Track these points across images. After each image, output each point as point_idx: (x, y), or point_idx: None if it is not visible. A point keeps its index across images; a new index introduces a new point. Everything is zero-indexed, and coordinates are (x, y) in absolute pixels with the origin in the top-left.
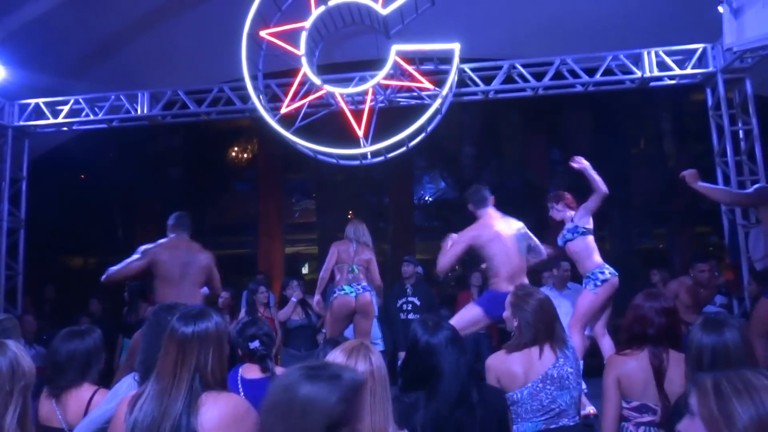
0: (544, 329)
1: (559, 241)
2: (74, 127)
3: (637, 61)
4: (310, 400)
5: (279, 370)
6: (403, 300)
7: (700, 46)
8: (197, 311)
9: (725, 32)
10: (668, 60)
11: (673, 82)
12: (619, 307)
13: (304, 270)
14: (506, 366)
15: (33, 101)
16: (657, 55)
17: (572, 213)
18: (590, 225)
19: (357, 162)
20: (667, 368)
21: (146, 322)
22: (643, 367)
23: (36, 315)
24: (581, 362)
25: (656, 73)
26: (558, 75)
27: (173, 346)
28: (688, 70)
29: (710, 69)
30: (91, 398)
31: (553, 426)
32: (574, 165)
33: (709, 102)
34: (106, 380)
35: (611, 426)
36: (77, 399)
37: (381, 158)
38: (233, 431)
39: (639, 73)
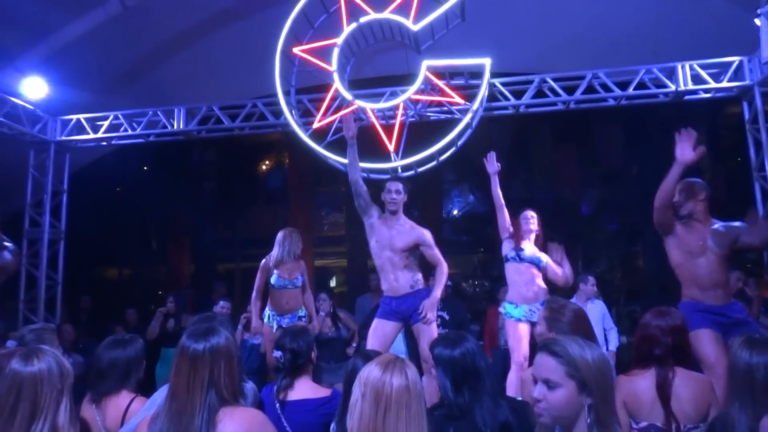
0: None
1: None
2: (113, 142)
3: (671, 74)
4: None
5: (309, 387)
6: None
7: (736, 59)
8: (206, 327)
9: (762, 45)
10: (703, 73)
11: (708, 95)
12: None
13: (332, 283)
14: None
15: (74, 117)
16: (692, 68)
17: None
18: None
19: (387, 176)
20: (672, 387)
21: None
22: (650, 387)
23: (72, 324)
24: None
25: (691, 86)
26: (590, 89)
27: (185, 363)
28: (724, 84)
29: (747, 82)
30: (128, 406)
31: None
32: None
33: (746, 116)
34: (146, 389)
35: None
36: (116, 406)
37: (411, 172)
38: None
39: (673, 87)
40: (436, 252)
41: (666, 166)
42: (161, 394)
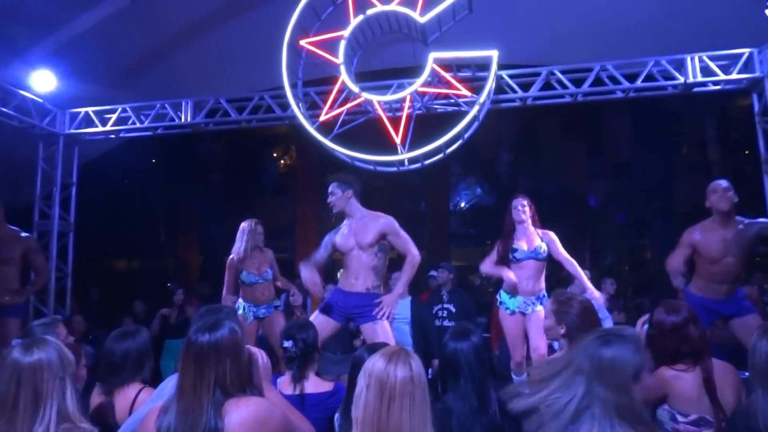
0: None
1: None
2: (121, 135)
3: (680, 66)
4: (615, 358)
5: (311, 381)
6: (439, 307)
7: (746, 50)
8: (212, 322)
9: None
10: (712, 65)
11: (717, 87)
12: None
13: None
14: None
15: (83, 110)
16: (701, 60)
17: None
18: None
19: (394, 168)
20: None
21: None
22: (694, 382)
23: (82, 315)
24: None
25: (700, 78)
26: (598, 81)
27: (190, 360)
28: (734, 75)
29: (757, 74)
30: (136, 396)
31: None
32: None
33: (756, 108)
34: (150, 381)
35: None
36: (125, 396)
37: (418, 165)
38: None
39: (682, 79)
40: (406, 239)
41: (674, 159)
42: (168, 384)
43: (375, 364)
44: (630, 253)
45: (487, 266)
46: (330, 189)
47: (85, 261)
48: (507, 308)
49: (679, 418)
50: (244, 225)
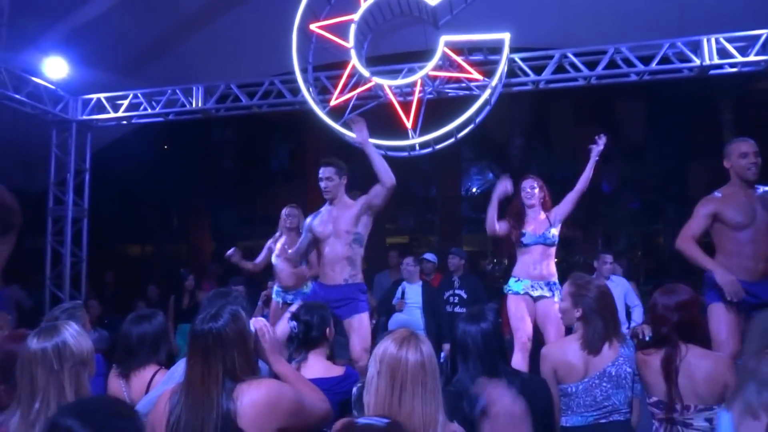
0: (611, 317)
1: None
2: (133, 121)
3: (696, 48)
4: None
5: (318, 365)
6: (450, 292)
7: (764, 32)
8: (213, 312)
9: None
10: (729, 47)
11: (734, 69)
12: None
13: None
14: (567, 358)
15: (95, 96)
16: (717, 41)
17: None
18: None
19: (405, 153)
20: (683, 366)
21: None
22: (659, 365)
23: (97, 300)
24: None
25: (716, 60)
26: (612, 64)
27: (197, 353)
28: (751, 57)
29: None
30: (152, 377)
31: (603, 421)
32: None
33: None
34: (168, 362)
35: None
36: (141, 378)
37: (429, 149)
38: (272, 415)
39: (698, 61)
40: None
41: (688, 144)
42: (179, 367)
43: (386, 349)
44: (643, 239)
45: (489, 223)
46: (327, 174)
47: (99, 246)
48: (513, 291)
49: (647, 398)
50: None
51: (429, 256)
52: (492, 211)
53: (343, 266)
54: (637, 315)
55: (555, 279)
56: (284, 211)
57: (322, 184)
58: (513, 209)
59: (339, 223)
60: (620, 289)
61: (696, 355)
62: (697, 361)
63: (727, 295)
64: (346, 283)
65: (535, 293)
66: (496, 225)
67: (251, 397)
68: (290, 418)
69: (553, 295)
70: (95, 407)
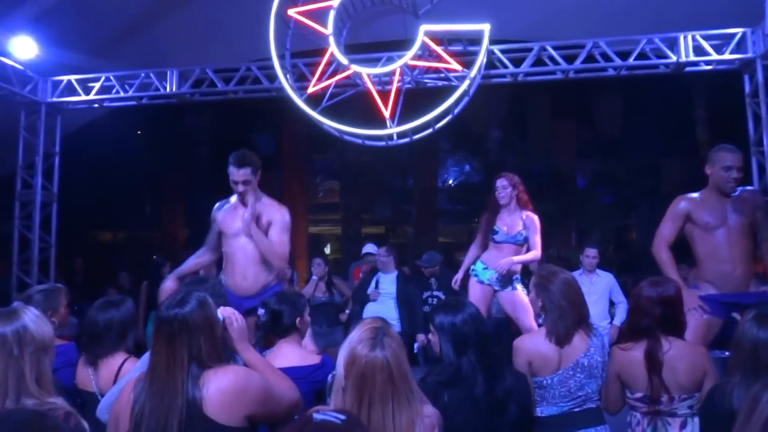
0: (570, 309)
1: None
2: (105, 104)
3: (673, 45)
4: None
5: (292, 354)
6: (428, 294)
7: (739, 30)
8: (180, 297)
9: (767, 16)
10: (705, 44)
11: (709, 67)
12: None
13: (327, 250)
14: (540, 350)
15: (65, 78)
16: (694, 39)
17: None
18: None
19: (383, 143)
20: (666, 358)
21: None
22: (642, 359)
23: (67, 287)
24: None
25: (692, 57)
26: (590, 58)
27: (162, 340)
28: (726, 56)
29: (749, 54)
30: (121, 365)
31: (577, 409)
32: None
33: (747, 89)
34: (136, 352)
35: (615, 405)
36: (109, 366)
37: (407, 139)
38: (239, 401)
39: (674, 58)
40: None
41: (663, 140)
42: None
43: (354, 357)
44: (616, 233)
45: (469, 255)
46: (245, 178)
47: (69, 232)
48: (477, 277)
49: (628, 393)
50: None
51: (370, 247)
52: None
53: (259, 271)
54: (621, 311)
55: (518, 275)
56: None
57: (239, 188)
58: (490, 205)
59: (253, 221)
60: (605, 283)
61: (677, 347)
62: (680, 353)
63: (691, 315)
64: (265, 290)
65: (496, 286)
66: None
67: (218, 384)
68: (258, 405)
69: (515, 289)
70: (14, 421)
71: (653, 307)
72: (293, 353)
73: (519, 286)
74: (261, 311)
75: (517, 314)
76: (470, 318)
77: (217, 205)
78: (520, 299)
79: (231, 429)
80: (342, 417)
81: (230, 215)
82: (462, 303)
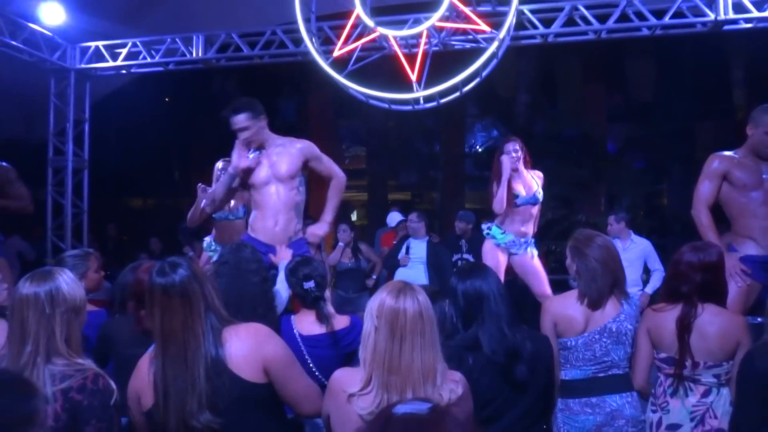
0: (604, 273)
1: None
2: (132, 70)
3: (711, 2)
4: None
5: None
6: (458, 256)
7: None
8: (169, 263)
9: None
10: (745, 1)
11: (749, 25)
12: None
13: (353, 217)
14: (567, 312)
15: (93, 44)
16: None
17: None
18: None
19: (409, 107)
20: (696, 323)
21: (219, 262)
22: (674, 322)
23: (100, 252)
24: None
25: (731, 15)
26: (623, 17)
27: (174, 302)
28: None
29: None
30: None
31: (602, 375)
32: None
33: None
34: None
35: (642, 373)
36: None
37: (434, 103)
38: (260, 355)
39: (712, 16)
40: (329, 160)
41: (697, 103)
42: None
43: (383, 302)
44: (646, 199)
45: (498, 201)
46: (242, 124)
47: (101, 198)
48: (494, 239)
49: (655, 353)
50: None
51: (395, 216)
52: (502, 192)
53: (290, 218)
54: (656, 279)
55: (531, 237)
56: (218, 165)
57: (243, 136)
58: (495, 170)
59: (278, 168)
60: (640, 249)
61: (711, 313)
62: (711, 319)
63: (733, 281)
64: (291, 241)
65: (513, 250)
66: (504, 204)
67: (241, 340)
68: (278, 363)
69: (526, 251)
70: None
71: (693, 273)
72: (335, 316)
73: (531, 250)
74: (310, 283)
75: (529, 278)
76: (486, 283)
77: (221, 164)
78: (531, 264)
79: (255, 385)
80: (427, 405)
81: (255, 168)
82: (478, 268)
